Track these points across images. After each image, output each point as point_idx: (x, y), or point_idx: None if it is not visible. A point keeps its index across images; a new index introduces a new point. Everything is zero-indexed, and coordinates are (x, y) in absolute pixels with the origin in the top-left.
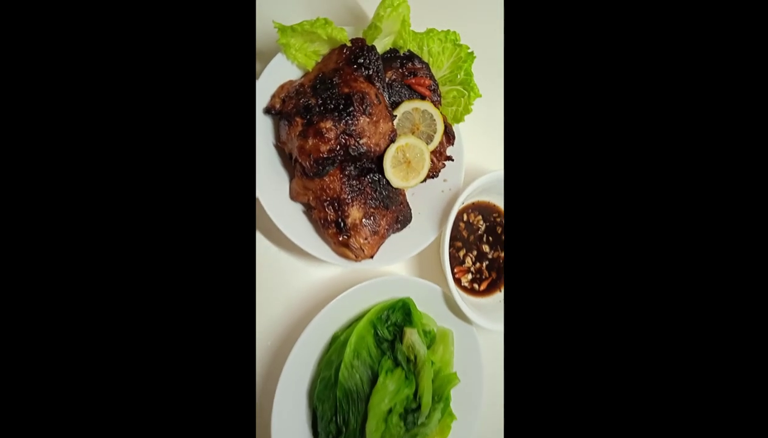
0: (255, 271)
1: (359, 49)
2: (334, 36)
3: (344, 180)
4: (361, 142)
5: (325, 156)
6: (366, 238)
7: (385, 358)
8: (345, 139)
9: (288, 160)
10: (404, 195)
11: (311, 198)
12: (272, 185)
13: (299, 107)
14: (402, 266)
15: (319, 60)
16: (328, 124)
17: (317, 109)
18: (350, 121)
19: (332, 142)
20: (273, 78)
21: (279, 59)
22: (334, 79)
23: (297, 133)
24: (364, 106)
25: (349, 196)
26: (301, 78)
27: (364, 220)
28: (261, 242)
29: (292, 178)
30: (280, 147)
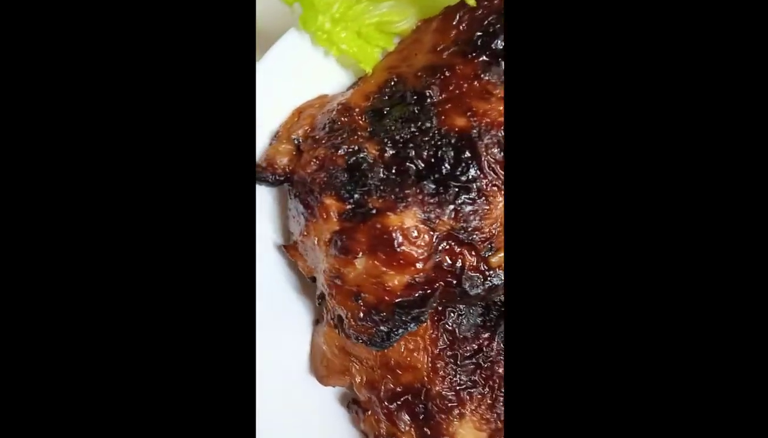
0: None
1: (493, 15)
2: None
3: (441, 346)
4: (491, 255)
5: (403, 301)
6: None
7: None
8: (455, 250)
9: (307, 282)
10: None
11: (358, 382)
12: (272, 339)
13: (336, 168)
14: None
15: (387, 51)
16: (414, 215)
17: (384, 175)
18: (469, 205)
19: (423, 261)
20: (280, 92)
21: (294, 48)
22: (427, 95)
23: (329, 237)
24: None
25: (456, 390)
26: (346, 93)
27: None
28: None
29: (315, 322)
30: (292, 253)
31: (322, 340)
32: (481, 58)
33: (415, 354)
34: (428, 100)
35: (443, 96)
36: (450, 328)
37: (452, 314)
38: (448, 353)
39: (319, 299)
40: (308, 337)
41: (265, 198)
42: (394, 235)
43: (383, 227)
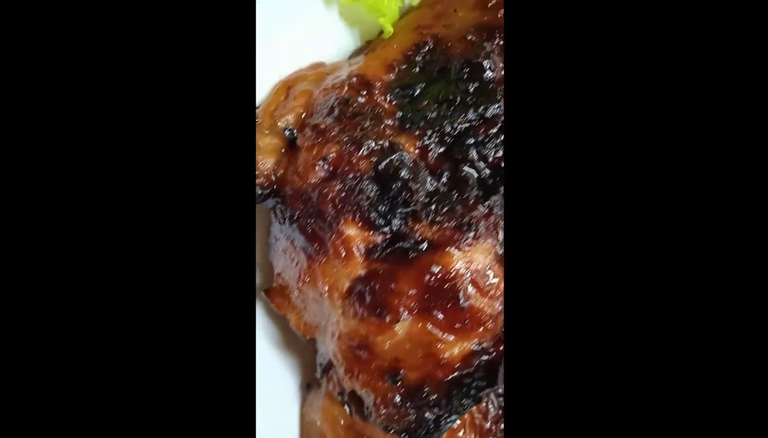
0: None
1: None
2: None
3: (493, 416)
4: None
5: (461, 375)
6: None
7: None
8: None
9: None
10: None
11: None
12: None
13: (360, 177)
14: None
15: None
16: (489, 249)
17: (433, 186)
18: None
19: (495, 317)
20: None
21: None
22: (485, 66)
23: (349, 285)
24: None
25: None
26: (355, 61)
27: None
28: None
29: (306, 387)
30: (278, 303)
31: (318, 416)
32: None
33: (460, 434)
34: (486, 75)
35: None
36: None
37: None
38: (494, 428)
39: (323, 370)
40: (294, 410)
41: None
42: (459, 283)
43: (442, 271)
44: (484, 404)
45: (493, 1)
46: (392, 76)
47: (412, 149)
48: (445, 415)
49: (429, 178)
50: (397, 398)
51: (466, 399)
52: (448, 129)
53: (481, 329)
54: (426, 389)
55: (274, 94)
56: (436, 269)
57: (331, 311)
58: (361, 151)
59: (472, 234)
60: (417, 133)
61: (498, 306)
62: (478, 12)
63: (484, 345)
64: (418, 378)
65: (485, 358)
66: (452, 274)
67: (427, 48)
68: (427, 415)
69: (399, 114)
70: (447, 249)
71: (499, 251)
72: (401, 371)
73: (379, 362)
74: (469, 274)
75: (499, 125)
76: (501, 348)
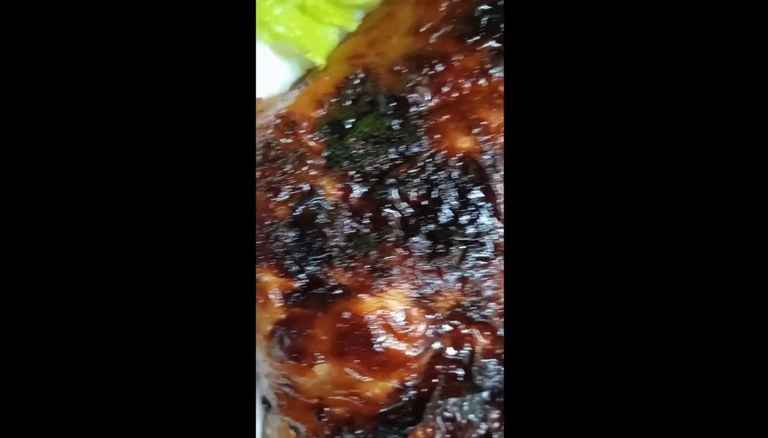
0: None
1: None
2: None
3: None
4: None
5: (388, 411)
6: None
7: None
8: (461, 333)
9: None
10: None
11: None
12: None
13: (276, 223)
14: None
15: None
16: (403, 293)
17: (353, 229)
18: (481, 268)
19: (417, 359)
20: None
21: None
22: (410, 100)
23: (270, 330)
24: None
25: None
26: (287, 97)
27: None
28: None
29: (266, 408)
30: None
31: (275, 435)
32: (487, 44)
33: None
34: (412, 109)
35: (435, 102)
36: (449, 414)
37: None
38: None
39: (264, 404)
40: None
41: None
42: (372, 328)
43: (354, 316)
44: (430, 430)
45: (426, 27)
46: (322, 112)
47: (333, 191)
48: None
49: (348, 221)
50: (327, 431)
51: (392, 435)
52: (369, 168)
53: (401, 369)
54: (355, 424)
55: None
56: (347, 315)
57: (258, 350)
58: (278, 197)
59: (385, 279)
60: (340, 173)
61: (419, 349)
62: (410, 38)
63: (410, 383)
64: (346, 413)
65: (414, 393)
66: (364, 320)
67: (357, 80)
68: None
69: (326, 152)
70: (359, 295)
71: (413, 294)
72: (326, 409)
73: (304, 400)
74: (380, 320)
75: (420, 163)
76: (432, 381)
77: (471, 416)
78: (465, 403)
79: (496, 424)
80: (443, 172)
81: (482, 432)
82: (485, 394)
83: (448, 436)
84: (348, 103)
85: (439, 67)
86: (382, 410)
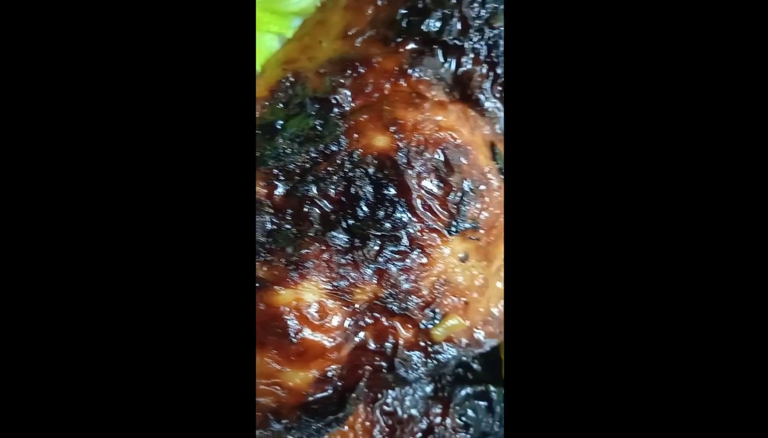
0: None
1: None
2: None
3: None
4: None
5: (312, 401)
6: None
7: None
8: (383, 325)
9: None
10: None
11: None
12: None
13: None
14: None
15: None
16: (317, 285)
17: (273, 225)
18: (398, 261)
19: (337, 348)
20: None
21: None
22: (332, 101)
23: None
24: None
25: None
26: None
27: None
28: None
29: None
30: None
31: None
32: (408, 46)
33: None
34: (335, 110)
35: (356, 103)
36: (389, 408)
37: (391, 390)
38: None
39: None
40: None
41: None
42: (287, 319)
43: (270, 307)
44: (369, 423)
45: (353, 31)
46: (257, 115)
47: (258, 188)
48: None
49: (269, 218)
50: (257, 422)
51: (317, 423)
52: (293, 166)
53: (320, 360)
54: (279, 414)
55: None
56: (263, 306)
57: None
58: None
59: (298, 273)
60: (266, 171)
61: (334, 337)
62: (339, 42)
63: (332, 373)
64: (272, 403)
65: (340, 383)
66: (279, 311)
67: (288, 83)
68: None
69: (257, 153)
70: (275, 287)
71: (327, 286)
72: (255, 399)
73: None
74: (295, 311)
75: (339, 160)
76: (359, 373)
77: (413, 411)
78: (407, 398)
79: (438, 419)
80: (360, 169)
81: (423, 427)
82: (429, 389)
83: (387, 430)
84: (280, 105)
85: (362, 70)
86: (306, 400)
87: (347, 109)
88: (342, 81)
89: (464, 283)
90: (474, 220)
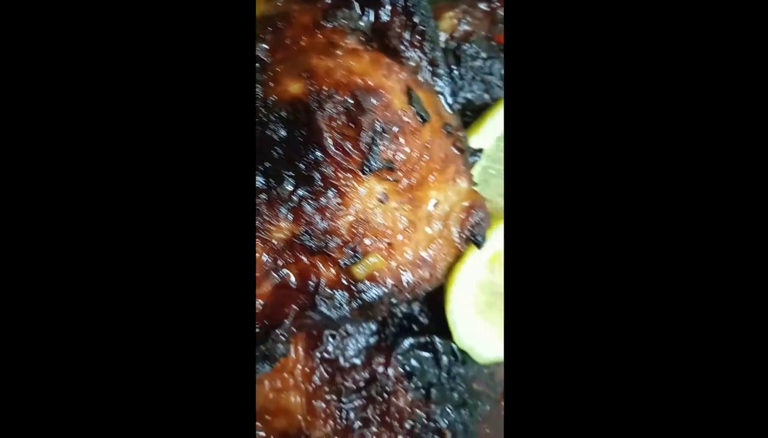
0: None
1: None
2: None
3: (317, 381)
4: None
5: None
6: None
7: None
8: (304, 263)
9: None
10: None
11: None
12: None
13: None
14: None
15: None
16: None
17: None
18: (312, 200)
19: (257, 282)
20: None
21: None
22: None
23: None
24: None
25: (344, 433)
26: None
27: None
28: None
29: None
30: None
31: None
32: (324, 0)
33: (284, 395)
34: (257, 65)
35: (276, 57)
36: (330, 355)
37: (333, 338)
38: (329, 389)
39: None
40: None
41: None
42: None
43: None
44: (308, 370)
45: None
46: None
47: None
48: None
49: None
50: None
51: None
52: None
53: None
54: None
55: None
56: None
57: None
58: None
59: None
60: None
61: (257, 273)
62: (264, 5)
63: (257, 309)
64: None
65: (261, 324)
66: None
67: None
68: None
69: None
70: None
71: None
72: None
73: None
74: None
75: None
76: (283, 312)
77: (355, 360)
78: (349, 347)
79: (381, 368)
80: (274, 114)
81: (366, 376)
82: (372, 340)
83: (327, 376)
84: None
85: (280, 25)
86: None
87: (268, 62)
88: (264, 37)
89: (386, 224)
90: (389, 161)
